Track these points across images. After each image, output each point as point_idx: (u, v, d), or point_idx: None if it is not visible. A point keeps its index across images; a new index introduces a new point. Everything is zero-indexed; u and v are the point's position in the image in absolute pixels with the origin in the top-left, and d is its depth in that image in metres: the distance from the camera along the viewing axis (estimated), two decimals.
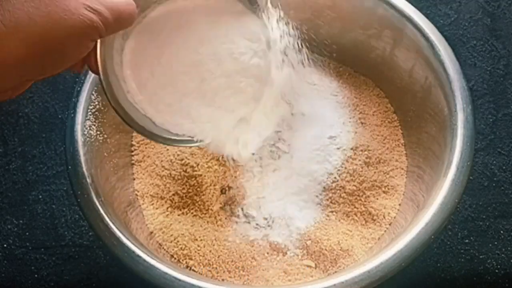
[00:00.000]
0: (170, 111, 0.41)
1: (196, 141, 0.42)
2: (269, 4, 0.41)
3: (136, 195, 0.53)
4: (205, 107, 0.41)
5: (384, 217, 0.51)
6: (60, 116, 0.64)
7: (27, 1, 0.29)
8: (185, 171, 0.52)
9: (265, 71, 0.43)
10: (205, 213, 0.51)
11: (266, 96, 0.43)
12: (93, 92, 0.49)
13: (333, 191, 0.51)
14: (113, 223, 0.44)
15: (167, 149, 0.54)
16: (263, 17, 0.42)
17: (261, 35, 0.42)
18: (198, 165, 0.52)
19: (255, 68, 0.42)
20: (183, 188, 0.52)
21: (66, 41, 0.31)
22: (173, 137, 0.42)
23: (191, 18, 0.40)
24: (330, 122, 0.54)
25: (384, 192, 0.53)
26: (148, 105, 0.40)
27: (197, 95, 0.41)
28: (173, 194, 0.52)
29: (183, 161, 0.53)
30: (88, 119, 0.48)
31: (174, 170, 0.53)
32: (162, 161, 0.54)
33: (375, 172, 0.53)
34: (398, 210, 0.52)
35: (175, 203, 0.52)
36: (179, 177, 0.52)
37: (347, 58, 0.60)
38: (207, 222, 0.51)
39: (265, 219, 0.51)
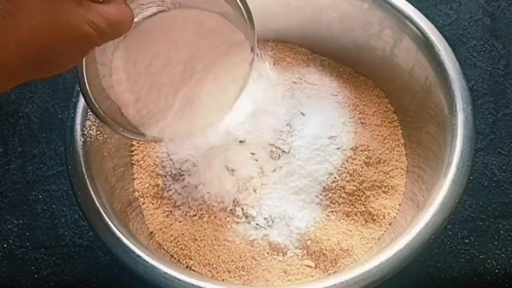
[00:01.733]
0: (141, 107, 0.41)
1: (150, 139, 0.43)
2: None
3: (136, 195, 0.53)
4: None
5: (384, 217, 0.51)
6: (60, 116, 0.64)
7: (31, 14, 0.29)
8: (185, 171, 0.52)
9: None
10: (205, 213, 0.51)
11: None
12: None
13: (333, 191, 0.51)
14: (113, 223, 0.44)
15: (167, 149, 0.54)
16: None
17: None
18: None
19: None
20: (183, 188, 0.52)
21: (64, 53, 0.31)
22: (130, 132, 0.42)
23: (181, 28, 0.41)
24: (330, 122, 0.54)
25: (384, 192, 0.53)
26: (127, 94, 0.41)
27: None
28: (173, 194, 0.52)
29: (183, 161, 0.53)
30: (88, 119, 0.48)
31: (174, 169, 0.53)
32: (162, 161, 0.54)
33: (375, 172, 0.53)
34: (398, 210, 0.52)
35: (175, 203, 0.52)
36: (179, 176, 0.52)
37: (347, 58, 0.60)
38: (207, 222, 0.51)
39: (265, 219, 0.51)
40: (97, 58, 0.39)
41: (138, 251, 0.42)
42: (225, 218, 0.51)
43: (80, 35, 0.31)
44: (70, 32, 0.31)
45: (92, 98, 0.40)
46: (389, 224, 0.51)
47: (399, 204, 0.52)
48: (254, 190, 0.51)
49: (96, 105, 0.40)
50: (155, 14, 0.40)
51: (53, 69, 0.32)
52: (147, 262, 0.42)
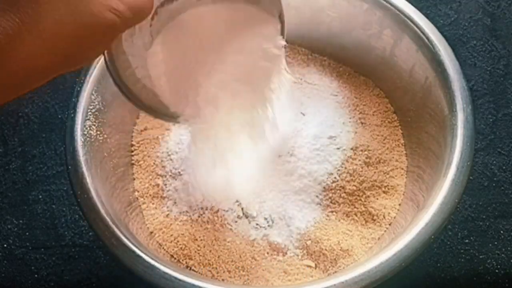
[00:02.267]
0: (179, 91, 0.42)
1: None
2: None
3: (136, 195, 0.53)
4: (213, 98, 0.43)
5: (384, 217, 0.51)
6: (60, 116, 0.64)
7: (53, 7, 0.29)
8: (185, 171, 0.52)
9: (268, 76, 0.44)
10: (205, 213, 0.51)
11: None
12: (93, 92, 0.49)
13: (333, 191, 0.51)
14: (113, 223, 0.44)
15: (167, 149, 0.54)
16: None
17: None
18: None
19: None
20: (183, 188, 0.52)
21: (89, 43, 0.31)
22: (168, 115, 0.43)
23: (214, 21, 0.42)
24: (330, 122, 0.54)
25: (384, 192, 0.53)
26: (166, 84, 0.42)
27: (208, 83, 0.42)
28: (173, 194, 0.52)
29: (183, 161, 0.53)
30: (88, 119, 0.48)
31: (174, 169, 0.53)
32: (162, 161, 0.54)
33: (375, 172, 0.53)
34: (398, 210, 0.52)
35: (175, 203, 0.52)
36: (179, 176, 0.52)
37: (347, 58, 0.60)
38: (207, 222, 0.51)
39: (265, 219, 0.51)
40: (126, 49, 0.39)
41: (138, 251, 0.42)
42: (225, 218, 0.51)
43: (103, 22, 0.31)
44: (93, 20, 0.31)
45: (129, 89, 0.40)
46: (389, 224, 0.51)
47: (399, 204, 0.52)
48: (254, 190, 0.51)
49: (134, 95, 0.41)
50: None
51: (80, 60, 0.32)
52: (147, 262, 0.42)
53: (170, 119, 0.44)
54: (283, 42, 0.43)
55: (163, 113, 0.43)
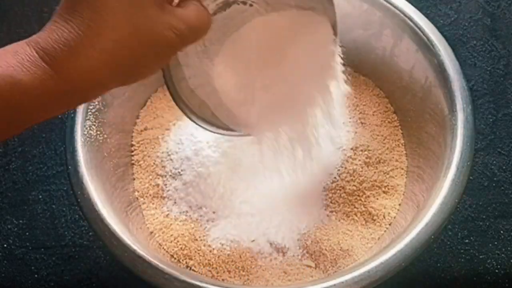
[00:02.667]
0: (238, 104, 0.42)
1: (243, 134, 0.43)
2: None
3: (136, 195, 0.53)
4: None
5: (384, 217, 0.51)
6: (60, 116, 0.64)
7: (115, 23, 0.29)
8: (185, 171, 0.52)
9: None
10: (205, 213, 0.51)
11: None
12: None
13: (333, 191, 0.51)
14: (113, 223, 0.44)
15: (167, 149, 0.54)
16: None
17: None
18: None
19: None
20: (183, 188, 0.52)
21: (148, 60, 0.32)
22: (222, 128, 0.43)
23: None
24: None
25: (384, 192, 0.53)
26: (231, 94, 0.42)
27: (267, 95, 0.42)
28: (173, 194, 0.52)
29: (183, 161, 0.53)
30: (88, 119, 0.48)
31: (174, 169, 0.53)
32: (162, 161, 0.54)
33: (375, 172, 0.53)
34: (398, 210, 0.52)
35: (175, 202, 0.52)
36: (179, 176, 0.52)
37: (347, 58, 0.59)
38: (207, 221, 0.51)
39: (265, 219, 0.51)
40: (181, 60, 0.39)
41: (138, 251, 0.42)
42: (225, 218, 0.51)
43: (164, 41, 0.31)
44: (153, 39, 0.31)
45: (185, 102, 0.40)
46: (389, 224, 0.51)
47: (399, 204, 0.52)
48: (255, 190, 0.51)
49: (190, 109, 0.41)
50: (228, 5, 0.40)
51: (138, 76, 0.33)
52: (147, 262, 0.42)
53: (220, 131, 0.43)
54: (338, 49, 0.43)
55: (215, 125, 0.42)
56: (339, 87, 0.44)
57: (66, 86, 0.29)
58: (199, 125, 0.42)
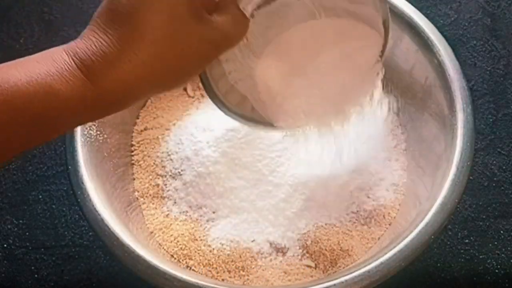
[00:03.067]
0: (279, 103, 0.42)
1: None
2: None
3: (136, 195, 0.53)
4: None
5: (384, 217, 0.51)
6: None
7: (153, 38, 0.30)
8: (185, 171, 0.52)
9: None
10: (205, 213, 0.51)
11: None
12: None
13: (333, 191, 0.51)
14: (113, 223, 0.44)
15: (167, 149, 0.54)
16: None
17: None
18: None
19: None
20: (183, 188, 0.52)
21: (182, 72, 0.32)
22: (260, 124, 0.43)
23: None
24: None
25: (384, 192, 0.53)
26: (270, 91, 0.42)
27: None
28: (173, 194, 0.52)
29: (183, 161, 0.53)
30: None
31: (174, 169, 0.53)
32: (162, 161, 0.54)
33: (375, 173, 0.53)
34: (398, 210, 0.52)
35: (175, 202, 0.52)
36: (179, 176, 0.52)
37: None
38: (207, 221, 0.51)
39: (265, 218, 0.51)
40: (220, 56, 0.39)
41: (138, 251, 0.42)
42: (225, 218, 0.51)
43: (200, 53, 0.32)
44: (191, 52, 0.31)
45: (222, 100, 0.40)
46: (389, 224, 0.51)
47: (399, 204, 0.52)
48: (255, 190, 0.51)
49: (227, 107, 0.41)
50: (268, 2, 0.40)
51: (174, 85, 0.33)
52: (147, 262, 0.42)
53: (259, 126, 0.43)
54: (379, 59, 0.42)
55: (254, 120, 0.42)
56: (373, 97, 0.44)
57: (103, 98, 0.30)
58: (239, 121, 0.42)
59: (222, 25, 0.32)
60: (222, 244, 0.50)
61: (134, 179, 0.54)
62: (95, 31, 0.30)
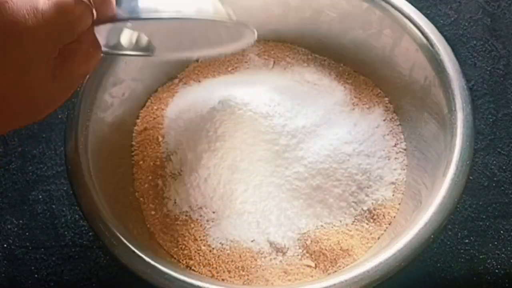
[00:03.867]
0: None
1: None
2: None
3: (136, 195, 0.53)
4: None
5: (384, 217, 0.51)
6: (60, 116, 0.64)
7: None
8: (185, 171, 0.52)
9: None
10: (205, 213, 0.51)
11: None
12: (93, 93, 0.49)
13: (333, 190, 0.51)
14: (113, 223, 0.44)
15: (167, 149, 0.54)
16: None
17: None
18: None
19: None
20: (183, 188, 0.52)
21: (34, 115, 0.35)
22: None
23: None
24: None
25: (384, 191, 0.53)
26: None
27: None
28: (173, 194, 0.52)
29: (183, 161, 0.53)
30: (88, 119, 0.48)
31: (174, 170, 0.53)
32: (162, 161, 0.54)
33: (375, 172, 0.53)
34: (398, 209, 0.52)
35: (175, 203, 0.52)
36: (179, 177, 0.52)
37: (347, 58, 0.60)
38: (207, 221, 0.51)
39: (265, 218, 0.51)
40: None
41: (138, 251, 0.42)
42: (225, 218, 0.51)
43: (50, 101, 0.34)
44: (39, 101, 0.33)
45: None
46: (389, 224, 0.51)
47: (399, 204, 0.52)
48: (255, 190, 0.51)
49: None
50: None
51: (31, 119, 0.35)
52: (147, 262, 0.42)
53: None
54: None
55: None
56: None
57: None
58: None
59: (75, 72, 0.34)
60: (222, 244, 0.50)
61: (134, 179, 0.54)
62: None
